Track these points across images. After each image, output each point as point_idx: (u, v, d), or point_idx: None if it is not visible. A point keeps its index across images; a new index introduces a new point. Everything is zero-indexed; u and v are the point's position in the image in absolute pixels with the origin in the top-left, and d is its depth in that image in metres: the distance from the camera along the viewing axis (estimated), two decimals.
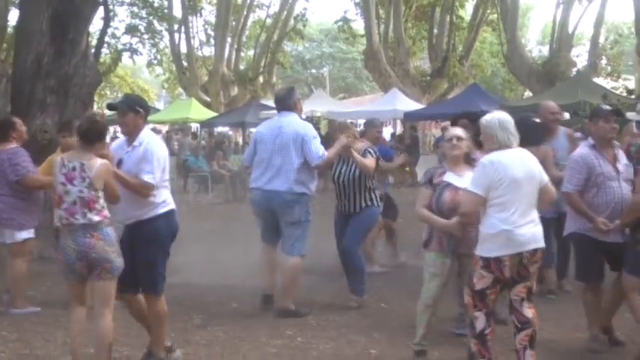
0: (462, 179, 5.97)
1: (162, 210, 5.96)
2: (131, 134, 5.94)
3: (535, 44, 55.84)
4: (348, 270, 8.35)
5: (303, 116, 36.20)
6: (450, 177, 6.10)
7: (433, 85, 35.81)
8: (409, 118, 27.55)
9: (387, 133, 32.20)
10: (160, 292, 6.01)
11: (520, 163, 5.56)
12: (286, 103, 7.92)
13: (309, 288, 8.61)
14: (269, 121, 8.12)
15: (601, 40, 38.63)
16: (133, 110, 5.92)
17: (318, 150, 7.70)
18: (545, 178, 5.73)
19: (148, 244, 5.87)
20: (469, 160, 6.15)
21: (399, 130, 32.88)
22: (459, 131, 6.29)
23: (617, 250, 6.40)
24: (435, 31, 36.68)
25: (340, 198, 8.35)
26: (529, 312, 5.59)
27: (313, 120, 31.02)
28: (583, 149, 6.63)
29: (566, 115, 24.36)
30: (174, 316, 7.90)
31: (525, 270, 5.55)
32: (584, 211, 6.48)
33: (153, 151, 5.85)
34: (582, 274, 6.67)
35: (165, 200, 6.00)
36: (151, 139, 5.94)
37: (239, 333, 7.23)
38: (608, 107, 6.93)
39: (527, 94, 35.59)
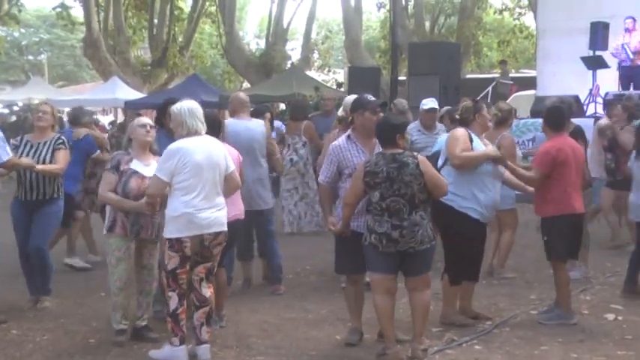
0: (149, 168, 6.26)
1: None
2: None
3: (253, 37, 57.20)
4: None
5: (20, 103, 34.19)
6: (136, 165, 6.35)
7: (154, 74, 35.68)
8: (130, 106, 27.50)
9: (106, 121, 31.85)
10: None
11: (204, 149, 5.85)
12: None
13: None
14: None
15: (313, 35, 40.75)
16: None
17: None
18: (232, 166, 6.07)
19: None
20: (154, 151, 6.43)
21: (120, 118, 32.60)
22: (149, 120, 6.60)
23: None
24: (156, 21, 36.49)
25: None
26: (207, 291, 5.99)
27: (31, 107, 29.98)
28: (339, 141, 6.37)
29: (282, 106, 25.54)
30: None
31: (208, 251, 5.93)
32: (324, 205, 6.43)
33: None
34: (340, 266, 6.50)
35: None
36: None
37: None
38: (374, 99, 6.53)
39: (246, 85, 36.57)
